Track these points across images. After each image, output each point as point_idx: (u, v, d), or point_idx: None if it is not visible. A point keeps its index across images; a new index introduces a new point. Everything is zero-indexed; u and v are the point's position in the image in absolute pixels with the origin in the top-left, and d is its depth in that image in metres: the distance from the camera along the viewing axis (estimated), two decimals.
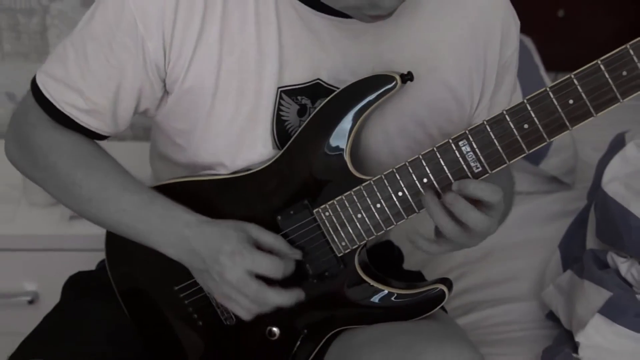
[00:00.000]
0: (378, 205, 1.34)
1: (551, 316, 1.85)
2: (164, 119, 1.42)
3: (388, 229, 1.35)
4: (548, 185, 2.32)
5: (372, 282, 1.40)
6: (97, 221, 1.45)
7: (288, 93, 1.37)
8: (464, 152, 1.28)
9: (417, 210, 1.33)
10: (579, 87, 1.21)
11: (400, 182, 1.32)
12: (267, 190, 1.40)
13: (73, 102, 1.39)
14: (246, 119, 1.37)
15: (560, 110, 1.23)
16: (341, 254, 1.39)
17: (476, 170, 1.29)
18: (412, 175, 1.31)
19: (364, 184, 1.34)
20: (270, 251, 1.35)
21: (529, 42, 2.58)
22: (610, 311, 1.63)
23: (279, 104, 1.37)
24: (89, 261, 1.70)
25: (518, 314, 1.89)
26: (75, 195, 1.42)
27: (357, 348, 1.40)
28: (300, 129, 1.37)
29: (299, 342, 1.46)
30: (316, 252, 1.39)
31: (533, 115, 1.24)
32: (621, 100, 1.21)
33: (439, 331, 1.40)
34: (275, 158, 1.39)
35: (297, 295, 1.37)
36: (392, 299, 1.41)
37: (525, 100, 1.24)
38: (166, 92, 1.39)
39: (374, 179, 1.33)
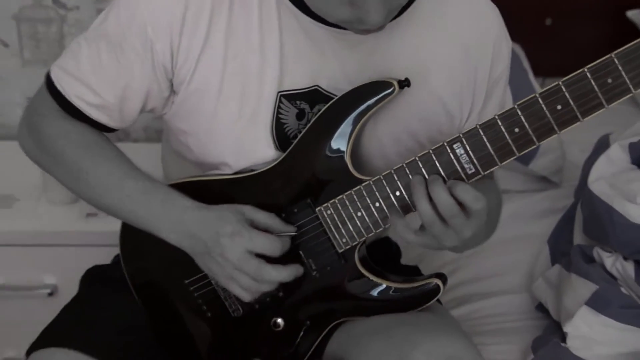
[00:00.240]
0: (377, 204, 1.34)
1: (540, 308, 1.85)
2: (172, 119, 1.42)
3: (386, 226, 1.35)
4: (537, 184, 2.32)
5: (371, 277, 1.40)
6: (102, 207, 1.45)
7: (287, 97, 1.37)
8: (458, 155, 1.28)
9: (413, 209, 1.32)
10: (566, 94, 1.21)
11: (398, 182, 1.32)
12: (272, 189, 1.40)
13: (83, 95, 1.39)
14: (248, 120, 1.37)
15: (549, 115, 1.23)
16: (342, 250, 1.39)
17: (469, 172, 1.29)
18: (409, 176, 1.31)
19: (363, 184, 1.34)
20: (266, 230, 1.35)
21: (518, 49, 2.58)
22: (596, 303, 1.63)
23: (279, 107, 1.37)
24: (105, 256, 1.70)
25: (509, 305, 1.89)
26: (82, 181, 1.42)
27: (357, 338, 1.40)
28: (303, 132, 1.37)
29: (302, 333, 1.46)
30: (318, 248, 1.39)
31: (523, 120, 1.24)
32: (606, 107, 1.21)
33: (435, 322, 1.40)
34: (279, 159, 1.39)
35: (295, 270, 1.37)
36: (390, 292, 1.41)
37: (516, 106, 1.24)
38: (173, 92, 1.39)
39: (373, 179, 1.33)
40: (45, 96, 1.42)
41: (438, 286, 1.39)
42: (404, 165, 1.31)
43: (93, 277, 1.64)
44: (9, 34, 2.52)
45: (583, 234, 1.87)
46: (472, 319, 1.84)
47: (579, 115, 1.22)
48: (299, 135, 1.37)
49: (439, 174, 1.29)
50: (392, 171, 1.32)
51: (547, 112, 1.23)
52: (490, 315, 1.86)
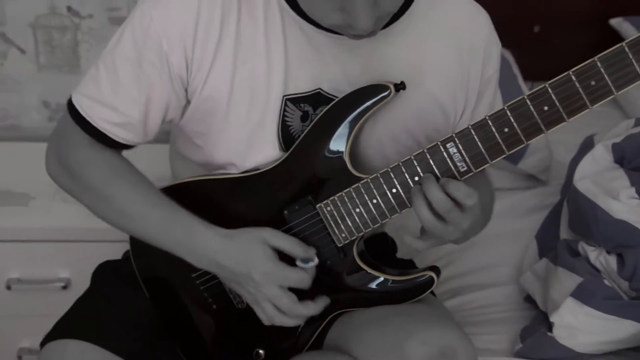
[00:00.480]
0: (374, 201, 1.34)
1: (528, 299, 1.85)
2: (184, 122, 1.42)
3: (383, 222, 1.36)
4: (526, 182, 2.32)
5: (369, 270, 1.40)
6: (128, 232, 1.47)
7: (292, 101, 1.37)
8: (451, 153, 1.29)
9: (409, 205, 1.33)
10: (553, 96, 1.22)
11: (395, 180, 1.32)
12: (275, 187, 1.40)
13: (106, 116, 1.38)
14: (255, 123, 1.37)
15: (536, 116, 1.24)
16: (341, 245, 1.39)
17: (462, 170, 1.29)
18: (405, 174, 1.31)
19: (361, 182, 1.34)
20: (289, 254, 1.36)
21: (508, 55, 2.58)
22: (581, 294, 1.63)
23: (284, 110, 1.37)
24: (116, 251, 1.70)
25: (499, 297, 1.89)
26: (108, 207, 1.43)
27: (355, 328, 1.40)
28: (304, 133, 1.37)
29: (303, 323, 1.45)
30: (319, 243, 1.39)
31: (512, 120, 1.25)
32: (590, 107, 1.22)
33: (429, 313, 1.40)
34: (282, 159, 1.39)
35: (323, 303, 1.39)
36: (387, 284, 1.41)
37: (505, 107, 1.25)
38: (187, 101, 1.39)
39: (370, 177, 1.34)
40: (69, 123, 1.41)
41: (432, 278, 1.40)
42: (400, 163, 1.31)
43: (104, 272, 1.64)
44: (26, 40, 2.52)
45: (569, 229, 1.87)
46: (464, 310, 1.84)
47: (565, 116, 1.23)
48: (301, 136, 1.37)
49: (433, 172, 1.30)
50: (389, 169, 1.32)
51: (534, 112, 1.24)
52: (481, 306, 1.86)
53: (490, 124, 1.26)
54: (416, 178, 1.31)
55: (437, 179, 1.29)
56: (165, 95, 1.37)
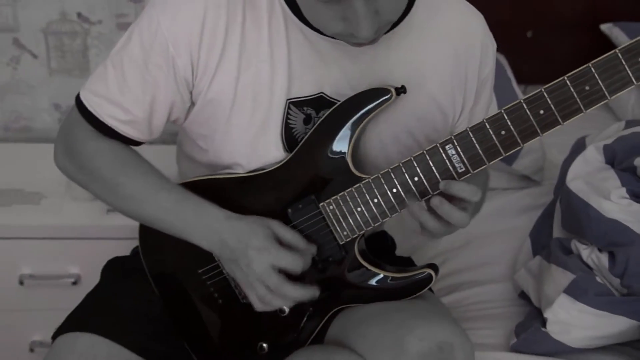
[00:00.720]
0: (375, 200, 1.34)
1: (523, 296, 1.85)
2: (190, 124, 1.42)
3: (384, 220, 1.36)
4: (520, 182, 2.32)
5: (369, 267, 1.40)
6: (136, 217, 1.45)
7: (295, 104, 1.37)
8: (450, 155, 1.29)
9: (409, 204, 1.33)
10: (548, 100, 1.23)
11: (395, 180, 1.32)
12: (279, 187, 1.40)
13: (113, 114, 1.38)
14: (259, 126, 1.37)
15: (532, 119, 1.24)
16: (343, 242, 1.39)
17: (460, 170, 1.29)
18: (405, 175, 1.31)
19: (363, 182, 1.34)
20: (289, 246, 1.36)
21: (502, 59, 2.58)
22: (574, 291, 1.63)
23: (288, 113, 1.37)
24: (124, 248, 1.70)
25: (494, 293, 1.89)
26: (119, 195, 1.42)
27: (356, 324, 1.39)
28: (308, 135, 1.37)
29: (305, 319, 1.45)
30: (321, 240, 1.39)
31: (509, 123, 1.25)
32: (584, 111, 1.23)
33: (427, 309, 1.39)
34: (286, 159, 1.39)
35: (312, 292, 1.37)
36: (387, 281, 1.41)
37: (502, 111, 1.25)
38: (192, 103, 1.39)
39: (372, 177, 1.34)
40: (77, 118, 1.41)
41: (430, 275, 1.40)
42: (400, 164, 1.31)
43: (113, 268, 1.64)
44: (38, 46, 2.52)
45: (562, 228, 1.87)
46: (461, 306, 1.84)
47: (560, 119, 1.23)
48: (304, 138, 1.37)
49: (432, 172, 1.30)
50: (390, 170, 1.32)
51: (530, 116, 1.24)
52: (477, 302, 1.86)
53: (488, 126, 1.26)
54: (416, 179, 1.31)
55: (437, 180, 1.30)
56: (169, 96, 1.37)
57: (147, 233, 1.52)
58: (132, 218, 1.46)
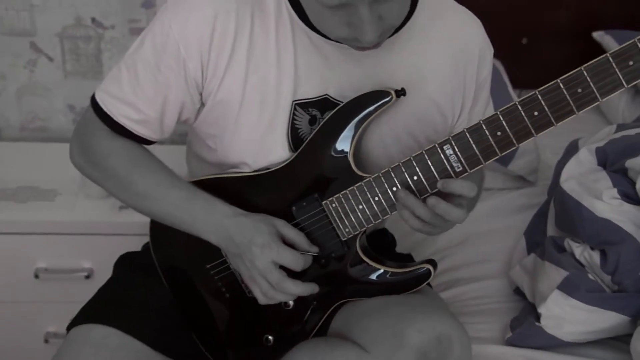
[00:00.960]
0: (376, 198, 1.34)
1: (518, 292, 1.84)
2: (199, 125, 1.43)
3: (384, 218, 1.36)
4: (515, 182, 2.31)
5: (370, 262, 1.40)
6: (148, 213, 1.45)
7: (301, 105, 1.37)
8: (448, 155, 1.29)
9: None
10: (542, 102, 1.22)
11: (395, 179, 1.32)
12: (284, 185, 1.40)
13: (126, 114, 1.39)
14: (266, 126, 1.37)
15: (527, 120, 1.24)
16: (345, 239, 1.39)
17: (457, 170, 1.29)
18: (404, 174, 1.31)
19: (364, 181, 1.34)
20: (293, 245, 1.36)
21: (499, 65, 2.57)
22: (567, 287, 1.62)
23: (294, 114, 1.37)
24: (136, 243, 1.70)
25: (490, 289, 1.88)
26: (132, 192, 1.42)
27: (358, 317, 1.39)
28: (311, 135, 1.37)
29: (309, 312, 1.45)
30: (324, 237, 1.39)
31: (505, 124, 1.25)
32: (577, 113, 1.22)
33: (426, 303, 1.39)
34: (290, 159, 1.39)
35: (311, 288, 1.37)
36: (387, 276, 1.40)
37: (498, 112, 1.25)
38: (202, 104, 1.39)
39: (373, 176, 1.34)
40: (92, 118, 1.42)
41: (429, 271, 1.39)
42: (400, 164, 1.31)
43: (125, 262, 1.64)
44: (54, 49, 2.53)
45: (555, 227, 1.86)
46: (459, 301, 1.84)
47: (553, 121, 1.23)
48: (308, 138, 1.37)
49: (431, 171, 1.30)
50: (390, 169, 1.32)
51: (525, 117, 1.24)
52: (474, 298, 1.85)
53: (484, 127, 1.26)
54: (415, 177, 1.31)
55: (435, 179, 1.30)
56: (180, 96, 1.37)
57: (158, 229, 1.52)
58: (144, 214, 1.46)
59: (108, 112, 1.39)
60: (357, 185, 1.34)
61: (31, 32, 2.50)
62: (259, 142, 1.38)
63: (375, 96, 1.33)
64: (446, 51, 1.40)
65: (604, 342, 1.66)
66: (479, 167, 1.29)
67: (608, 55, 1.18)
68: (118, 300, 1.50)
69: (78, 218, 2.24)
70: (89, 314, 1.48)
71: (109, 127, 1.41)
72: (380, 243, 1.59)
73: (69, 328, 1.47)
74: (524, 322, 1.66)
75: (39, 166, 2.43)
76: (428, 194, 1.31)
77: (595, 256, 1.67)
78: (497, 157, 1.28)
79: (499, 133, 1.25)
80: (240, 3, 1.33)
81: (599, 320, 1.62)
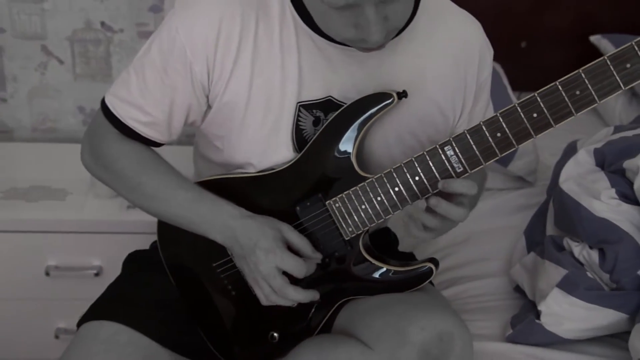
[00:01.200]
0: (378, 198, 1.33)
1: (518, 289, 1.84)
2: (206, 126, 1.42)
3: (387, 217, 1.35)
4: (515, 183, 2.31)
5: (373, 261, 1.40)
6: (156, 214, 1.45)
7: (305, 107, 1.36)
8: (449, 156, 1.28)
9: (410, 202, 1.33)
10: (541, 104, 1.22)
11: (397, 179, 1.32)
12: (288, 185, 1.40)
13: (135, 116, 1.39)
14: (271, 127, 1.37)
15: (526, 122, 1.24)
16: (348, 238, 1.38)
17: (458, 170, 1.29)
18: (406, 174, 1.31)
19: (367, 181, 1.34)
20: (297, 250, 1.36)
21: (498, 67, 2.57)
22: (566, 285, 1.62)
23: (298, 116, 1.37)
24: (144, 242, 1.70)
25: (491, 287, 1.88)
26: (140, 193, 1.42)
27: (361, 314, 1.39)
28: (315, 136, 1.37)
29: (313, 309, 1.45)
30: (328, 236, 1.39)
31: (504, 126, 1.25)
32: (575, 114, 1.22)
33: (428, 301, 1.39)
34: (295, 159, 1.38)
35: (312, 295, 1.37)
36: (390, 274, 1.40)
37: (498, 114, 1.25)
38: (208, 106, 1.39)
39: (375, 177, 1.33)
40: (102, 120, 1.42)
41: (431, 269, 1.39)
42: (402, 164, 1.31)
43: (134, 260, 1.64)
44: (64, 52, 2.53)
45: (554, 226, 1.86)
46: (460, 299, 1.83)
47: (552, 122, 1.23)
48: (312, 139, 1.37)
49: (432, 172, 1.29)
50: (392, 170, 1.32)
51: (524, 119, 1.24)
52: (475, 296, 1.85)
53: (484, 129, 1.26)
54: (417, 178, 1.31)
55: (437, 179, 1.30)
56: (187, 99, 1.37)
57: (165, 228, 1.52)
58: (152, 215, 1.46)
59: (117, 115, 1.39)
60: (360, 185, 1.34)
61: (42, 36, 2.51)
62: (264, 143, 1.38)
63: (378, 98, 1.32)
64: (447, 53, 1.39)
65: (603, 340, 1.66)
66: (479, 167, 1.28)
67: (605, 58, 1.18)
68: (127, 298, 1.50)
69: (88, 217, 2.24)
70: (98, 311, 1.48)
71: (118, 130, 1.41)
72: (383, 242, 1.59)
73: (79, 324, 1.47)
74: (524, 320, 1.65)
75: (49, 166, 2.44)
76: (429, 194, 1.31)
77: (594, 255, 1.67)
78: (497, 157, 1.27)
79: (499, 134, 1.25)
80: (245, 7, 1.33)
81: (598, 317, 1.61)
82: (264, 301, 1.38)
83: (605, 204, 1.69)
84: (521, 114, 1.23)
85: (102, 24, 2.51)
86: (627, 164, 1.75)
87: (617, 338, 1.66)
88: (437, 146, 1.29)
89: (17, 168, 2.43)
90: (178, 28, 1.32)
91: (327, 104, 1.37)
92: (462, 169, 1.28)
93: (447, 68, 1.40)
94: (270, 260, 1.32)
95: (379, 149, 1.40)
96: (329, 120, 1.35)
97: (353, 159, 1.35)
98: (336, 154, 1.35)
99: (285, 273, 1.34)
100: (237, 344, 1.53)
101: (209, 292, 1.52)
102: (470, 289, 1.88)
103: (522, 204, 2.20)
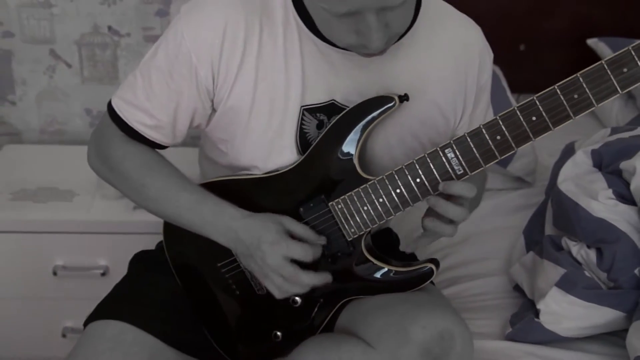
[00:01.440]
0: (380, 200, 1.33)
1: (517, 288, 1.83)
2: (211, 130, 1.42)
3: (388, 218, 1.35)
4: (514, 183, 2.31)
5: (375, 261, 1.39)
6: (160, 215, 1.45)
7: (309, 111, 1.36)
8: (449, 158, 1.28)
9: (411, 204, 1.33)
10: (540, 107, 1.22)
11: (398, 181, 1.31)
12: (292, 187, 1.39)
13: (140, 119, 1.39)
14: (275, 131, 1.37)
15: (525, 125, 1.23)
16: (351, 239, 1.38)
17: (458, 173, 1.29)
18: (407, 176, 1.31)
19: (369, 183, 1.33)
20: (300, 239, 1.35)
21: (497, 70, 2.57)
22: (565, 284, 1.62)
23: (302, 119, 1.36)
24: (150, 242, 1.69)
25: (490, 286, 1.88)
26: (144, 194, 1.42)
27: (363, 314, 1.39)
28: (318, 139, 1.36)
29: (316, 309, 1.45)
30: (331, 237, 1.38)
31: (504, 129, 1.24)
32: (573, 118, 1.22)
33: (429, 301, 1.38)
34: (298, 162, 1.38)
35: (325, 277, 1.37)
36: (391, 275, 1.40)
37: (497, 117, 1.25)
38: (213, 110, 1.39)
39: (377, 179, 1.33)
40: (108, 123, 1.42)
41: (432, 269, 1.39)
42: (404, 167, 1.31)
43: (140, 260, 1.63)
44: (72, 56, 2.53)
45: (553, 226, 1.86)
46: (460, 298, 1.83)
47: (551, 125, 1.23)
48: (315, 142, 1.37)
49: (433, 174, 1.29)
50: (394, 172, 1.31)
51: (524, 122, 1.23)
52: (475, 295, 1.85)
53: (484, 132, 1.26)
54: (418, 180, 1.30)
55: (437, 181, 1.29)
56: (192, 103, 1.37)
57: (170, 228, 1.52)
58: (156, 216, 1.46)
59: (123, 118, 1.39)
60: (362, 187, 1.34)
61: (51, 40, 2.51)
62: (268, 147, 1.38)
63: (380, 101, 1.32)
64: (448, 56, 1.39)
65: (601, 337, 1.66)
66: (479, 169, 1.28)
67: (603, 62, 1.18)
68: (133, 297, 1.50)
69: (94, 218, 2.24)
70: (105, 310, 1.47)
71: (124, 132, 1.41)
72: (385, 242, 1.58)
73: (85, 323, 1.47)
74: (524, 318, 1.65)
75: (57, 168, 2.44)
76: (430, 196, 1.31)
77: (592, 254, 1.67)
78: (497, 160, 1.27)
79: (498, 137, 1.25)
80: (249, 13, 1.32)
81: (596, 316, 1.61)
82: (278, 294, 1.37)
83: (602, 204, 1.69)
84: (520, 117, 1.23)
85: (109, 28, 2.51)
86: (624, 164, 1.75)
87: (614, 336, 1.66)
88: (438, 149, 1.28)
89: (25, 170, 2.44)
90: (184, 33, 1.32)
91: (331, 108, 1.36)
92: (462, 171, 1.28)
93: (448, 71, 1.40)
94: (276, 251, 1.32)
95: (381, 151, 1.39)
96: (331, 124, 1.35)
97: (355, 161, 1.34)
98: (339, 156, 1.35)
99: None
100: (241, 342, 1.53)
101: (214, 291, 1.51)
102: (470, 288, 1.87)
103: (521, 204, 2.20)
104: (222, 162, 1.46)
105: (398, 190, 1.32)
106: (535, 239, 1.91)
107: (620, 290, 1.62)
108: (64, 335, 2.33)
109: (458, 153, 1.27)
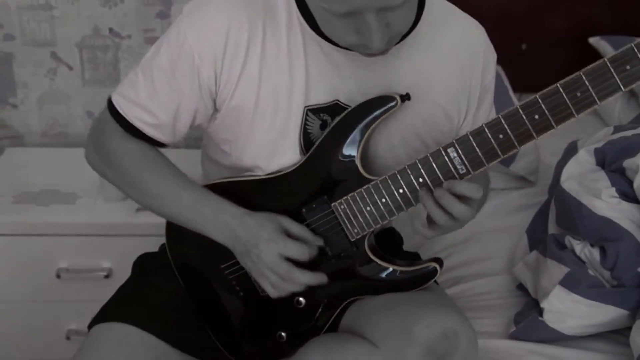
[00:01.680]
0: (383, 200, 1.33)
1: (521, 287, 1.84)
2: (214, 130, 1.42)
3: (391, 218, 1.35)
4: (517, 183, 2.31)
5: (378, 261, 1.39)
6: (160, 213, 1.45)
7: (312, 111, 1.36)
8: (452, 157, 1.28)
9: (414, 204, 1.33)
10: (542, 106, 1.22)
11: (401, 181, 1.31)
12: (294, 188, 1.39)
13: (141, 117, 1.39)
14: (279, 131, 1.37)
15: (528, 123, 1.23)
16: (354, 239, 1.38)
17: (461, 172, 1.28)
18: (410, 176, 1.31)
19: (371, 183, 1.34)
20: (297, 239, 1.35)
21: (499, 69, 2.57)
22: (568, 283, 1.62)
23: (305, 119, 1.36)
24: (153, 244, 1.69)
25: (494, 285, 1.88)
26: (143, 192, 1.42)
27: (367, 314, 1.39)
28: (320, 139, 1.37)
29: (320, 310, 1.45)
30: (334, 237, 1.39)
31: (507, 127, 1.24)
32: (576, 116, 1.21)
33: (433, 300, 1.39)
34: (301, 162, 1.38)
35: (320, 277, 1.37)
36: (395, 274, 1.40)
37: (500, 116, 1.25)
38: (216, 110, 1.39)
39: (379, 179, 1.33)
40: (108, 119, 1.42)
41: (435, 269, 1.39)
42: (406, 167, 1.31)
43: (143, 263, 1.64)
44: (73, 58, 2.54)
45: (556, 225, 1.86)
46: (464, 297, 1.83)
47: (554, 124, 1.22)
48: (317, 142, 1.37)
49: (436, 173, 1.29)
50: (396, 172, 1.31)
51: (526, 120, 1.23)
52: (479, 294, 1.85)
53: (487, 131, 1.25)
54: (420, 180, 1.30)
55: (440, 181, 1.29)
56: (194, 103, 1.37)
57: (173, 230, 1.52)
58: (156, 213, 1.46)
59: (124, 115, 1.39)
60: (364, 187, 1.34)
61: (52, 43, 2.51)
62: (272, 147, 1.38)
63: (381, 101, 1.32)
64: (451, 56, 1.39)
65: (605, 336, 1.66)
66: (482, 169, 1.28)
67: (606, 60, 1.17)
68: (136, 299, 1.50)
69: (97, 220, 2.24)
70: (109, 313, 1.48)
71: (124, 129, 1.41)
72: (388, 242, 1.58)
73: (90, 326, 1.47)
74: (527, 317, 1.65)
75: (59, 170, 2.44)
76: (437, 187, 1.30)
77: (595, 253, 1.67)
78: (500, 159, 1.27)
79: (501, 136, 1.25)
80: (253, 13, 1.33)
81: (599, 314, 1.61)
82: (273, 292, 1.38)
83: (605, 202, 1.69)
84: (523, 115, 1.23)
85: (110, 30, 2.51)
86: (627, 163, 1.75)
87: (618, 334, 1.66)
88: (441, 148, 1.28)
89: (27, 173, 2.44)
90: (186, 33, 1.32)
91: (334, 108, 1.36)
92: (465, 170, 1.28)
93: (451, 71, 1.40)
94: (272, 249, 1.33)
95: (384, 151, 1.39)
96: (334, 123, 1.35)
97: (357, 162, 1.34)
98: (341, 156, 1.35)
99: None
100: (246, 343, 1.53)
101: (217, 293, 1.52)
102: (474, 287, 1.87)
103: (524, 204, 2.20)
104: (225, 163, 1.46)
105: (401, 191, 1.32)
106: (538, 238, 1.91)
107: (624, 288, 1.62)
108: (68, 338, 2.33)
109: (461, 152, 1.27)
